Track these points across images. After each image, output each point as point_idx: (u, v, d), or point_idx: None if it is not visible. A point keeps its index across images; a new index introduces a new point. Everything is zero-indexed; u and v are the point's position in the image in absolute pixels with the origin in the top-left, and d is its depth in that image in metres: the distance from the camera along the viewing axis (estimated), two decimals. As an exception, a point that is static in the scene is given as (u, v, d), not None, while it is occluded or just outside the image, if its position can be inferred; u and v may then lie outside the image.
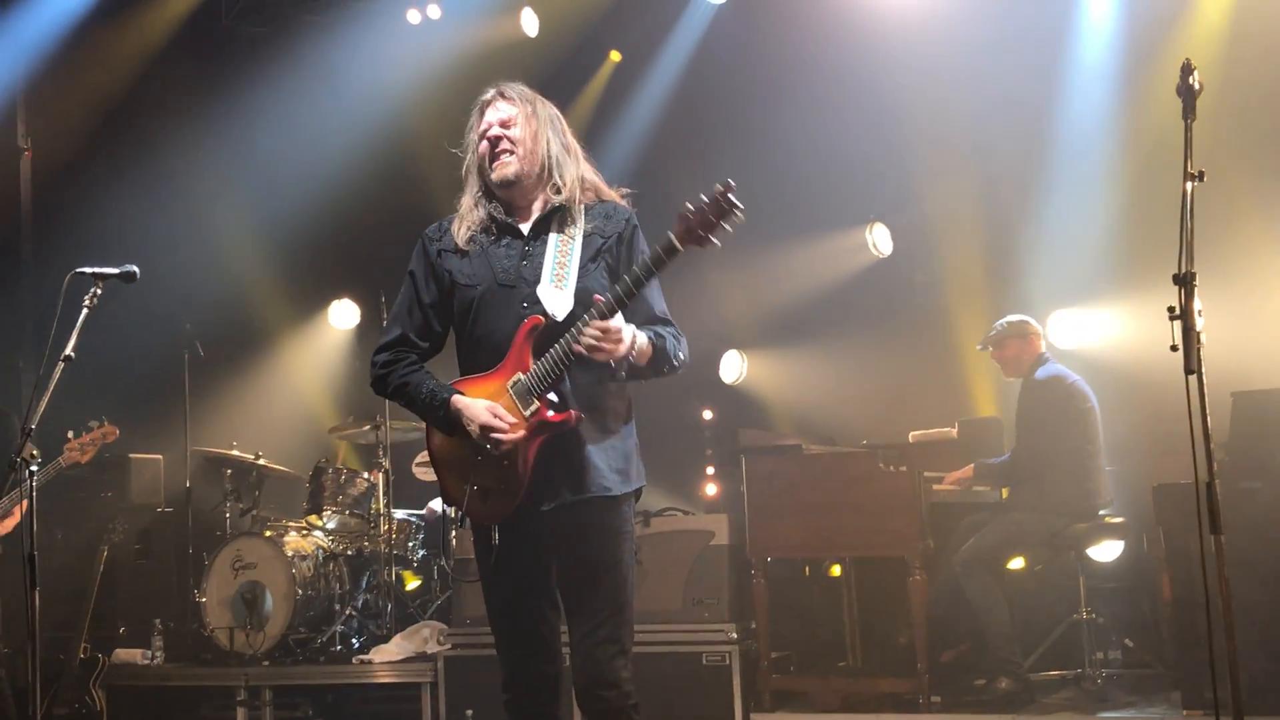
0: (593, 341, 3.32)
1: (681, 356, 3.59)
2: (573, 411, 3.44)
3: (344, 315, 9.94)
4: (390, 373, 3.67)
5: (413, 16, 9.19)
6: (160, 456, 8.57)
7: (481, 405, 3.45)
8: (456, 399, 3.50)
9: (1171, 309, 2.91)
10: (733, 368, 9.34)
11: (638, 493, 3.64)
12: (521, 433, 3.42)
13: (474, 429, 3.44)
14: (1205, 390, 2.88)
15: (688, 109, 9.03)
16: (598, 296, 3.35)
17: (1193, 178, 3.02)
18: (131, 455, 8.29)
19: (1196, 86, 3.16)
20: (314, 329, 10.07)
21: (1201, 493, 2.92)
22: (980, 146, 8.01)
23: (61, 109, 8.90)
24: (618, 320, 3.36)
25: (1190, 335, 2.86)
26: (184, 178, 9.33)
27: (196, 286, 8.93)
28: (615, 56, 9.46)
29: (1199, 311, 2.90)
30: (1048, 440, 6.37)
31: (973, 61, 7.84)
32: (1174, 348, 2.89)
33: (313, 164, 9.14)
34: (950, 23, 7.90)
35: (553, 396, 3.44)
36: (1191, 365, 2.84)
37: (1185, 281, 2.91)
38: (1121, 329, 7.50)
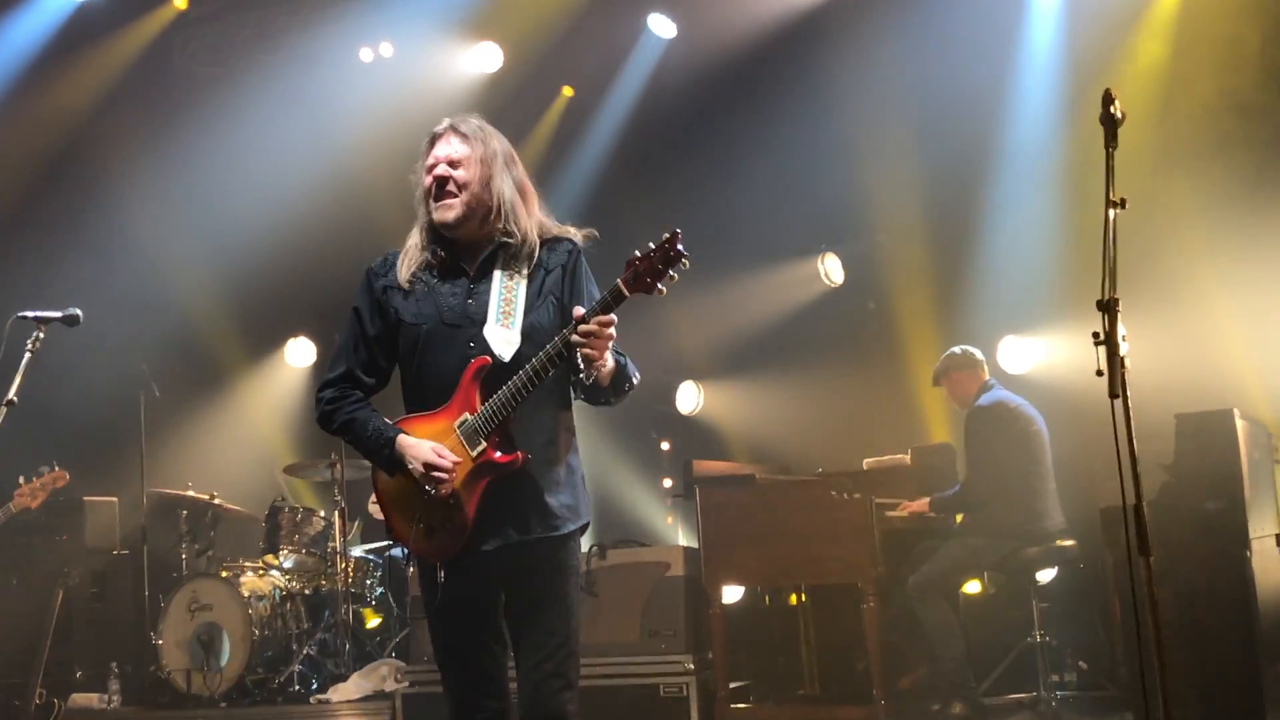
0: (594, 328, 3.27)
1: (636, 379, 3.58)
2: (520, 452, 3.43)
3: (300, 354, 9.95)
4: (336, 409, 3.63)
5: (365, 55, 9.23)
6: (115, 499, 8.51)
7: (426, 445, 3.44)
8: (401, 439, 3.48)
9: (1096, 334, 2.95)
10: (689, 398, 9.39)
11: (584, 526, 3.63)
12: (460, 477, 3.41)
13: (417, 468, 3.43)
14: (1131, 413, 2.92)
15: (639, 143, 9.09)
16: (578, 309, 3.33)
17: (1114, 205, 3.07)
18: (86, 498, 8.23)
19: (1118, 115, 3.21)
20: (270, 368, 10.05)
21: (1130, 515, 2.96)
22: (928, 176, 8.11)
23: (10, 149, 8.87)
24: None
25: (1114, 360, 2.91)
26: (136, 217, 9.29)
27: (151, 327, 8.90)
28: (567, 92, 9.53)
29: (1123, 336, 2.95)
30: (995, 465, 6.42)
31: (920, 93, 7.97)
32: (1099, 372, 2.93)
33: (267, 203, 9.12)
34: (898, 56, 8.02)
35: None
36: (1115, 389, 2.88)
37: (1108, 307, 2.95)
38: (1068, 353, 7.60)
